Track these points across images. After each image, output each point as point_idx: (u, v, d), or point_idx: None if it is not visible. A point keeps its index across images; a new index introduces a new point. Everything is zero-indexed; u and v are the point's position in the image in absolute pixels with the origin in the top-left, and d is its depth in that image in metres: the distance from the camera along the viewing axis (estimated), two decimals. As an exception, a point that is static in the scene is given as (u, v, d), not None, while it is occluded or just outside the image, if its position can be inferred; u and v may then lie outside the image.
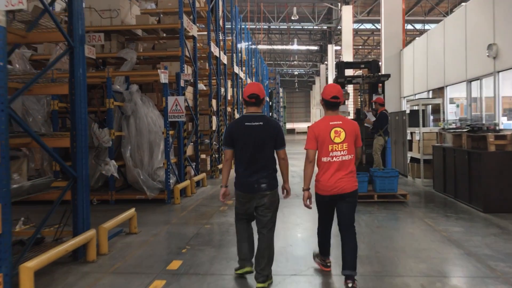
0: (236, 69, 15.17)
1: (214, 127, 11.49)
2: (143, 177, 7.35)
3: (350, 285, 3.44)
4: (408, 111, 9.83)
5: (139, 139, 7.66)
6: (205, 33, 11.17)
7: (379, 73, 8.51)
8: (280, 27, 33.12)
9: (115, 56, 8.34)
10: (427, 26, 31.29)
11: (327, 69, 40.90)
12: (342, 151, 3.47)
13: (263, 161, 3.48)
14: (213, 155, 11.27)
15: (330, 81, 32.24)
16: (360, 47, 37.93)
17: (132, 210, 5.33)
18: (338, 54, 38.85)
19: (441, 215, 6.17)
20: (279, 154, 3.58)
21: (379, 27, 31.40)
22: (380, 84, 9.00)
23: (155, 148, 7.75)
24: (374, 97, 8.72)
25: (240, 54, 16.90)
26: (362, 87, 8.46)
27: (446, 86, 9.19)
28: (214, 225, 5.77)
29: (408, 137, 9.87)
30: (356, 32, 29.97)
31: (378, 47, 37.42)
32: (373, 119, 8.45)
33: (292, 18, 24.15)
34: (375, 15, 28.77)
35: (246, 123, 3.48)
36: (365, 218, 6.03)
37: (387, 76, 8.49)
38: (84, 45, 4.52)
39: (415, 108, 10.52)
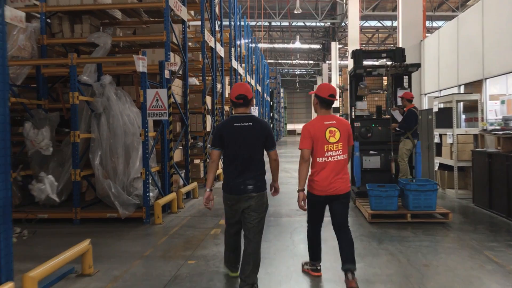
0: (235, 64, 13.68)
1: (208, 128, 9.99)
2: (114, 191, 5.85)
3: (350, 278, 3.39)
4: (435, 109, 8.34)
5: (113, 142, 6.18)
6: (200, 23, 9.67)
7: (407, 63, 7.02)
8: (282, 24, 31.73)
9: (84, 42, 6.85)
10: (434, 24, 29.87)
11: (330, 69, 39.52)
12: (337, 151, 3.46)
13: (252, 162, 3.37)
14: (208, 160, 9.76)
15: (334, 80, 30.77)
16: (363, 45, 36.45)
17: (85, 244, 3.82)
18: (341, 52, 37.40)
19: (502, 244, 4.67)
20: (270, 155, 3.48)
21: (385, 24, 30.00)
22: (406, 76, 7.54)
23: (132, 154, 6.26)
24: (400, 92, 7.23)
25: (239, 49, 15.42)
26: (389, 80, 6.96)
27: (486, 79, 7.70)
28: (200, 261, 4.26)
29: (435, 140, 8.38)
30: (360, 29, 28.45)
31: (383, 45, 35.94)
32: (400, 118, 6.97)
33: (295, 12, 22.64)
34: (381, 10, 27.42)
35: (235, 124, 3.36)
36: (403, 249, 4.52)
37: (417, 66, 7.00)
38: (4, 6, 3.05)
39: (441, 106, 9.01)
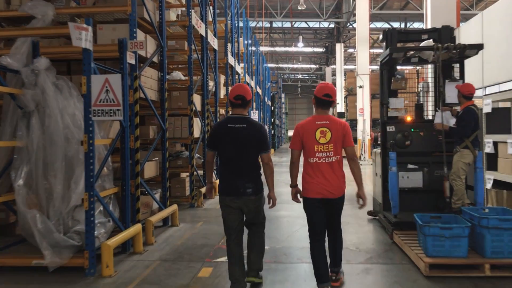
0: (231, 61, 11.81)
1: (197, 134, 8.10)
2: (41, 226, 3.92)
3: (334, 277, 3.52)
4: (486, 110, 6.43)
5: (48, 153, 4.29)
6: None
7: (464, 43, 5.12)
8: (283, 25, 30.00)
9: (17, 15, 4.94)
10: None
11: (333, 73, 37.74)
12: (328, 152, 3.35)
13: (247, 164, 3.35)
14: (195, 173, 7.85)
15: (339, 84, 28.98)
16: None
17: None
18: (345, 56, 35.53)
19: None
20: (263, 159, 3.41)
21: (395, 25, 28.15)
22: (457, 64, 5.67)
23: (76, 170, 4.35)
24: (451, 85, 5.34)
25: (237, 45, 13.58)
26: (438, 69, 5.06)
27: None
28: None
29: (487, 149, 6.45)
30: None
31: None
32: (452, 121, 5.08)
33: (299, 7, 20.83)
34: (389, 9, 25.66)
35: (229, 125, 3.33)
36: None
37: (478, 47, 5.11)
38: None
39: (482, 104, 7.07)
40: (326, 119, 3.38)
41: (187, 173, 7.80)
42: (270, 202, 3.45)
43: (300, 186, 3.48)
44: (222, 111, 12.10)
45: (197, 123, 8.22)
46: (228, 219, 3.36)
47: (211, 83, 9.53)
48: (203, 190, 7.89)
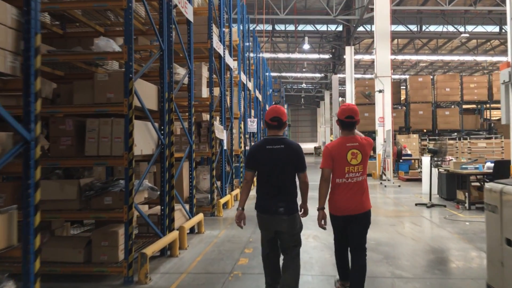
0: (219, 48, 8.45)
1: (147, 149, 4.67)
2: None
3: None
4: None
5: None
6: None
7: None
8: (287, 28, 26.89)
9: None
10: (468, 27, 24.74)
11: (341, 83, 34.51)
12: (357, 173, 3.49)
13: (283, 185, 3.46)
14: (133, 220, 4.38)
15: (349, 91, 25.66)
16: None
17: None
18: (357, 61, 32.25)
19: None
20: (300, 178, 3.55)
21: (412, 28, 24.84)
22: None
23: None
24: None
25: (228, 31, 10.27)
26: None
27: None
28: None
29: None
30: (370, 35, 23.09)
31: (401, 53, 30.80)
32: None
33: (306, -2, 17.56)
34: (405, 5, 22.49)
35: (267, 146, 3.48)
36: None
37: None
38: None
39: None
40: (355, 141, 3.50)
41: (123, 220, 4.32)
42: (301, 210, 3.55)
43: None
44: (206, 116, 8.73)
45: (147, 130, 4.81)
46: (263, 233, 3.50)
47: (180, 71, 6.15)
48: (151, 250, 4.41)
